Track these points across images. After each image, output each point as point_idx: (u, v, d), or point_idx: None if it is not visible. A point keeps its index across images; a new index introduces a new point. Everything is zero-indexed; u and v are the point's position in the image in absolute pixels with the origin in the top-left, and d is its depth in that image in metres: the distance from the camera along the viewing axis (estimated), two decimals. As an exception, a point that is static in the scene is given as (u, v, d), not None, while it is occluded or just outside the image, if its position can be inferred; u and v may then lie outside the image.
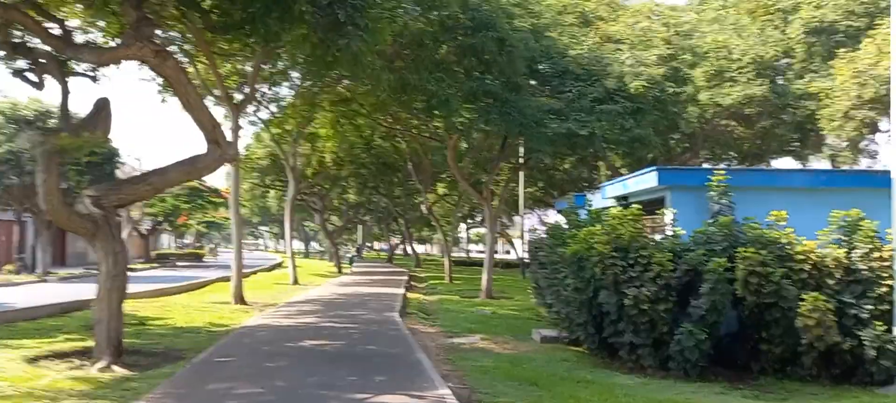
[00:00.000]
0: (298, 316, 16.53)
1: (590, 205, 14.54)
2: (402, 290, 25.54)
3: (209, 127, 10.75)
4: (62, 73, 12.37)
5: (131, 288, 24.43)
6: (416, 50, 21.24)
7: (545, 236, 16.93)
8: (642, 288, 10.35)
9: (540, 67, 24.62)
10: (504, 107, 21.22)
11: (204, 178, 50.60)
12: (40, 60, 12.52)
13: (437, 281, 34.25)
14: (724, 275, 9.97)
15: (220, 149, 10.85)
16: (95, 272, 30.34)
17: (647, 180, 12.55)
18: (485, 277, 24.60)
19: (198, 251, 62.64)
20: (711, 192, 11.25)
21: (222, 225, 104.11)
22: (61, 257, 43.69)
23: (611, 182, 16.13)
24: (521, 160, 31.02)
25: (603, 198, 15.78)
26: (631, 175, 14.14)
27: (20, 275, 29.31)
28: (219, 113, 23.78)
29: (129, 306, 18.23)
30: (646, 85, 21.75)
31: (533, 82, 25.16)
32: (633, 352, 11.01)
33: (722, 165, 30.12)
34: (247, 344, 11.94)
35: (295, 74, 28.66)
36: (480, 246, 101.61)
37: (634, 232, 10.81)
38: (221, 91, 20.00)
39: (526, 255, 37.81)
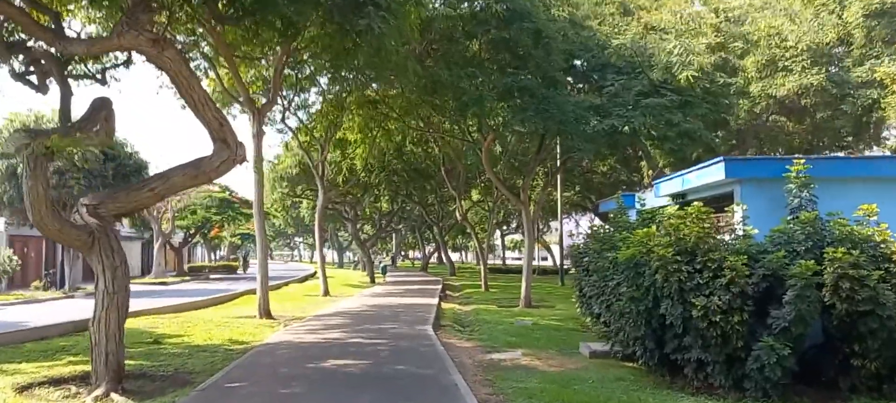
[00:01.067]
0: (324, 331, 15.33)
1: (642, 204, 13.10)
2: (435, 300, 24.25)
3: (216, 125, 9.60)
4: (62, 74, 11.38)
5: (157, 302, 23.90)
6: (447, 45, 20.03)
7: (590, 240, 15.57)
8: (712, 296, 8.91)
9: (578, 62, 23.28)
10: (541, 104, 19.89)
11: (235, 190, 50.12)
12: (39, 61, 11.56)
13: (473, 290, 32.93)
14: (812, 280, 8.48)
15: (228, 150, 9.69)
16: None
17: (711, 173, 11.09)
18: (524, 285, 23.21)
19: (231, 263, 62.02)
20: (790, 185, 9.76)
21: (255, 237, 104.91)
22: (92, 272, 43.21)
23: (665, 178, 14.66)
24: (558, 162, 29.70)
25: (656, 196, 14.33)
26: (691, 169, 12.67)
27: (47, 291, 28.68)
28: (243, 123, 22.82)
29: (147, 323, 17.33)
30: (696, 74, 20.15)
31: (571, 78, 23.85)
32: (700, 370, 9.56)
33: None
34: (264, 366, 10.75)
35: (323, 80, 27.83)
36: (516, 253, 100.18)
37: (701, 233, 9.36)
38: (243, 94, 18.99)
39: (567, 261, 36.52)
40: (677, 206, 11.36)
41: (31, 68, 12.07)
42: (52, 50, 11.37)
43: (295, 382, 9.36)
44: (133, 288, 29.67)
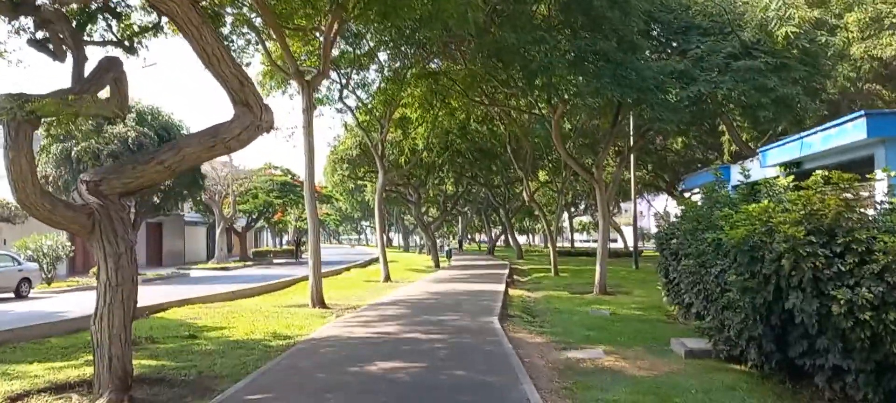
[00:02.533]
0: (378, 324, 13.75)
1: (747, 176, 10.99)
2: (502, 287, 22.48)
3: (235, 84, 8.03)
4: (76, 36, 10.03)
5: (211, 289, 22.93)
6: (513, 5, 18.12)
7: (680, 219, 13.55)
8: (859, 287, 6.86)
9: (658, 24, 20.99)
10: (618, 71, 17.82)
11: (297, 173, 49.25)
12: (50, 22, 10.23)
13: (542, 275, 31.02)
14: None
15: (251, 115, 8.12)
16: (185, 272, 28.75)
17: (845, 133, 8.96)
18: (598, 270, 21.20)
19: (294, 247, 61.53)
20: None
21: (324, 221, 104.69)
22: (158, 257, 43.16)
23: (776, 144, 12.48)
24: (631, 138, 27.45)
25: (763, 165, 12.19)
26: (813, 130, 10.48)
27: (107, 277, 28.14)
28: (297, 103, 21.58)
29: (191, 313, 16.13)
30: (796, 30, 17.68)
31: (651, 42, 21.58)
32: (837, 379, 7.51)
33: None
34: (299, 371, 9.18)
35: (382, 56, 26.30)
36: (584, 235, 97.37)
37: (843, 207, 7.29)
38: (292, 66, 17.55)
39: (641, 243, 34.34)
40: (791, 177, 9.30)
41: (47, 34, 10.82)
42: (61, 8, 10.08)
43: (330, 394, 7.73)
44: (192, 274, 29.07)
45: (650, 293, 20.33)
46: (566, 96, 20.55)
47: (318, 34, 19.91)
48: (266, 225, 57.39)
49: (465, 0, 14.12)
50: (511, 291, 22.69)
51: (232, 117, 8.16)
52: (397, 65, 25.39)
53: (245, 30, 20.08)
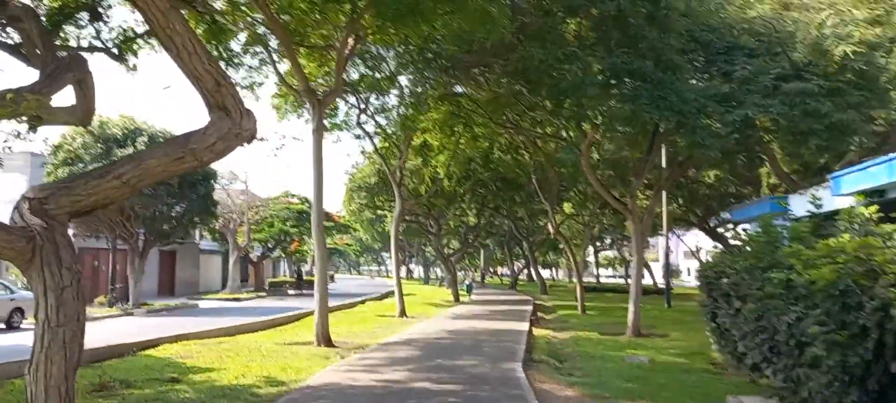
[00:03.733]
0: (386, 369, 12.17)
1: (818, 206, 9.36)
2: (526, 326, 20.83)
3: (210, 83, 6.62)
4: (43, 36, 8.75)
5: (215, 322, 21.51)
6: (542, 19, 16.70)
7: (732, 255, 11.88)
8: None
9: (696, 50, 19.43)
10: (656, 91, 16.29)
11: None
12: (18, 19, 8.99)
13: (568, 312, 29.26)
14: None
15: (228, 121, 6.69)
16: (194, 302, 27.21)
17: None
18: (631, 309, 19.48)
19: (311, 278, 60.10)
20: None
21: (343, 252, 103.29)
22: (170, 286, 41.94)
23: (854, 169, 10.81)
24: (664, 164, 25.78)
25: (834, 193, 10.52)
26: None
27: (112, 308, 26.86)
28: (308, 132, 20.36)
29: (184, 350, 14.66)
30: (856, 50, 16.05)
31: (691, 63, 20.02)
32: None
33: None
34: (285, 428, 7.63)
35: (403, 80, 25.03)
36: (610, 271, 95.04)
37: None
38: (302, 84, 16.25)
39: (676, 280, 32.38)
40: (874, 207, 7.69)
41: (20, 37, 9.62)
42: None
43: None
44: (202, 304, 27.61)
45: (689, 336, 18.58)
46: (598, 120, 19.04)
47: (333, 52, 18.70)
48: (283, 255, 56.06)
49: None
50: (535, 331, 21.04)
51: (206, 124, 6.74)
52: (419, 89, 24.11)
53: (258, 48, 18.94)
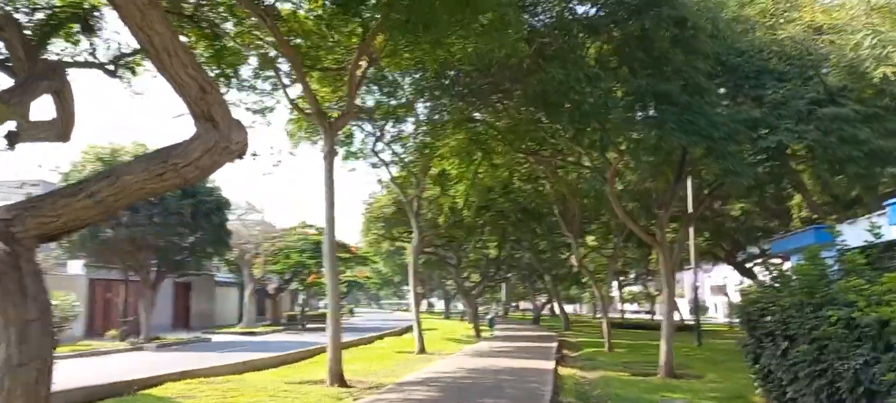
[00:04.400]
0: (400, 412, 11.25)
1: (877, 235, 8.39)
2: (551, 365, 19.81)
3: (195, 91, 5.88)
4: (26, 46, 8.10)
5: (224, 358, 20.74)
6: (563, 39, 15.94)
7: (774, 289, 10.93)
8: None
9: (723, 75, 18.56)
10: (684, 116, 15.41)
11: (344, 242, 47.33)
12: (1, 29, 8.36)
13: (594, 349, 28.08)
14: None
15: (216, 133, 5.94)
16: (207, 337, 26.36)
17: None
18: (664, 348, 18.39)
19: (319, 313, 59.24)
20: None
21: (363, 285, 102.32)
22: (185, 318, 41.29)
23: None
24: (689, 202, 24.77)
25: (892, 223, 9.53)
26: None
27: (124, 341, 26.17)
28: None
29: (185, 389, 13.82)
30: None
31: (721, 88, 19.15)
32: None
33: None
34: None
35: (420, 108, 24.38)
36: (634, 306, 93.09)
37: None
38: (313, 107, 15.57)
39: (723, 317, 31.08)
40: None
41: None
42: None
43: None
44: (215, 339, 26.81)
45: (727, 377, 17.46)
46: (622, 146, 18.17)
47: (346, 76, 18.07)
48: (300, 288, 55.26)
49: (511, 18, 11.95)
50: (561, 369, 19.99)
51: (191, 136, 5.98)
52: (436, 116, 23.44)
53: (269, 73, 18.35)
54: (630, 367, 20.37)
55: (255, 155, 15.74)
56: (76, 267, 29.62)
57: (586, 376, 18.81)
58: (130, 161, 5.91)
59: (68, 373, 16.97)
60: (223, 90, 18.19)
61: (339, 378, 15.04)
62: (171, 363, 18.98)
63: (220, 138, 5.95)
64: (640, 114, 18.21)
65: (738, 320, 12.87)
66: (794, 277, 10.30)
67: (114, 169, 5.95)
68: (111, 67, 10.45)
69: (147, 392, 13.10)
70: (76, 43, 10.77)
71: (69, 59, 10.54)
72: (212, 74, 17.42)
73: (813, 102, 16.61)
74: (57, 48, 10.66)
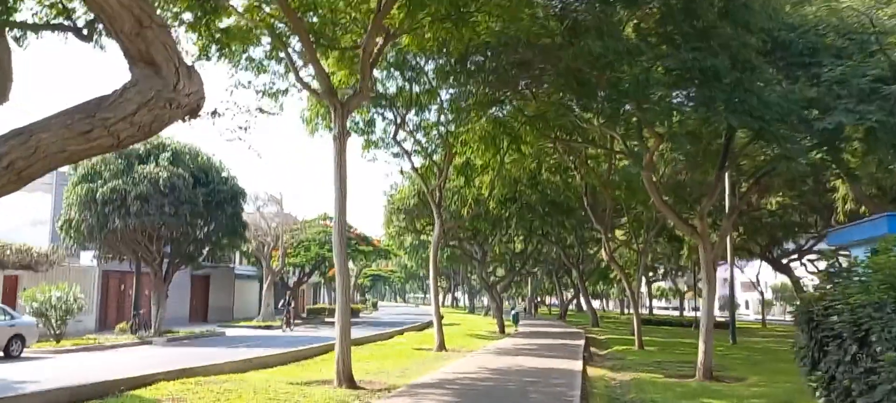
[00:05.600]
0: (411, 421, 9.93)
1: None
2: (579, 364, 18.38)
3: (130, 25, 4.57)
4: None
5: (235, 353, 19.57)
6: (600, 6, 14.47)
7: (842, 285, 9.42)
8: None
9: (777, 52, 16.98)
10: (733, 94, 13.91)
11: (354, 225, 46.16)
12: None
13: (624, 347, 26.59)
14: None
15: (158, 81, 4.63)
16: (221, 331, 25.14)
17: None
18: (701, 348, 16.84)
19: (353, 306, 58.15)
20: None
21: (388, 279, 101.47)
22: (203, 312, 40.40)
23: None
24: (726, 195, 23.15)
25: None
26: None
27: (134, 335, 25.19)
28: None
29: (180, 388, 12.66)
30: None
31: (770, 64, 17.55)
32: None
33: None
34: None
35: (444, 96, 23.10)
36: (662, 302, 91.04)
37: None
38: (323, 84, 14.28)
39: (754, 315, 29.31)
40: None
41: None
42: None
43: None
44: (229, 333, 25.71)
45: (769, 380, 15.96)
46: (661, 130, 16.63)
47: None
48: (322, 281, 54.27)
49: None
50: (590, 370, 18.57)
51: (124, 84, 4.68)
52: (461, 104, 22.12)
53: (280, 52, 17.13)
54: (664, 368, 18.90)
55: (215, 113, 14.27)
56: (88, 258, 28.79)
57: (617, 377, 17.37)
58: (47, 117, 4.60)
59: (60, 369, 16.01)
60: (231, 72, 17.06)
61: (347, 379, 13.78)
62: (176, 359, 17.90)
63: (164, 88, 4.64)
64: (679, 95, 16.78)
65: (794, 320, 11.32)
66: (862, 271, 8.85)
67: (29, 125, 4.66)
68: (85, 31, 9.24)
69: (135, 392, 11.92)
70: (51, 6, 9.63)
71: (38, 22, 9.40)
72: (217, 54, 16.33)
73: (877, 80, 14.99)
74: (29, 5, 9.55)
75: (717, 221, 25.00)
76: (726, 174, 21.01)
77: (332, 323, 35.95)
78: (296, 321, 31.63)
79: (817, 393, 10.48)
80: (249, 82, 17.52)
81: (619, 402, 13.17)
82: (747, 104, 13.79)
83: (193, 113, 4.86)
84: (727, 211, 18.91)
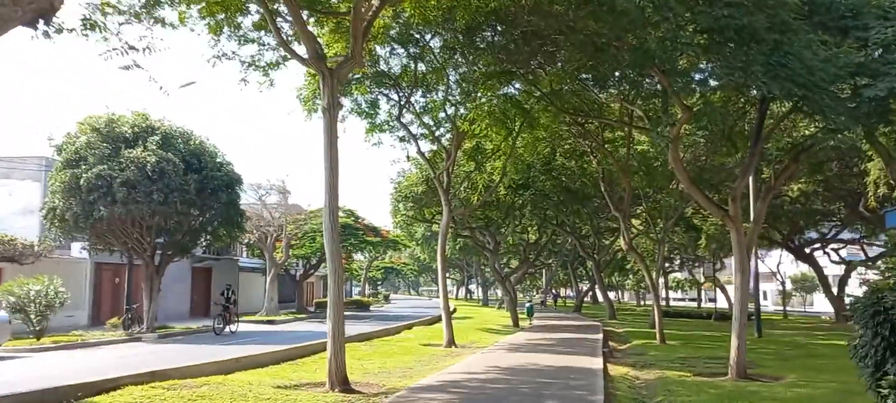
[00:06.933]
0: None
1: None
2: (598, 362, 16.80)
3: None
4: None
5: (224, 352, 18.21)
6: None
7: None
8: None
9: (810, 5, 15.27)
10: (773, 56, 12.26)
11: (363, 216, 44.72)
12: None
13: (644, 341, 25.00)
14: None
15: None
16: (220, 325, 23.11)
17: None
18: (734, 343, 15.19)
19: (364, 299, 56.76)
20: None
21: (401, 271, 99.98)
22: (205, 305, 39.07)
23: None
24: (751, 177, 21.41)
25: None
26: None
27: (126, 331, 23.83)
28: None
29: (153, 393, 11.14)
30: None
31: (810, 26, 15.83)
32: None
33: None
34: None
35: (452, 76, 21.58)
36: (678, 294, 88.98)
37: None
38: (308, 47, 12.71)
39: (773, 306, 27.54)
40: None
41: None
42: None
43: None
44: (229, 328, 24.13)
45: (809, 379, 14.39)
46: (691, 100, 14.99)
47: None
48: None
49: None
50: (611, 368, 16.97)
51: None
52: (468, 84, 20.61)
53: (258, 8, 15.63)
54: (690, 365, 17.27)
55: (139, 49, 11.40)
56: (79, 250, 27.48)
57: (640, 376, 15.78)
58: None
59: (24, 371, 14.63)
60: (211, 41, 15.58)
61: (341, 381, 12.28)
62: (161, 358, 16.54)
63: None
64: (707, 66, 15.11)
65: (853, 314, 9.71)
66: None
67: None
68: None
69: (93, 400, 10.44)
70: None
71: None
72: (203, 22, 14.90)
73: (931, 43, 13.34)
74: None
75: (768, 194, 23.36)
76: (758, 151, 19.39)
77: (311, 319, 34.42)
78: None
79: (890, 400, 8.91)
80: (234, 53, 15.87)
81: (645, 405, 11.59)
82: (790, 69, 12.15)
83: (43, 15, 3.32)
84: (762, 192, 17.13)
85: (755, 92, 14.79)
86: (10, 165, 28.10)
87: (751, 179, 22.69)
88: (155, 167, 22.18)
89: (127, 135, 23.18)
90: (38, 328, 20.21)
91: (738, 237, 15.15)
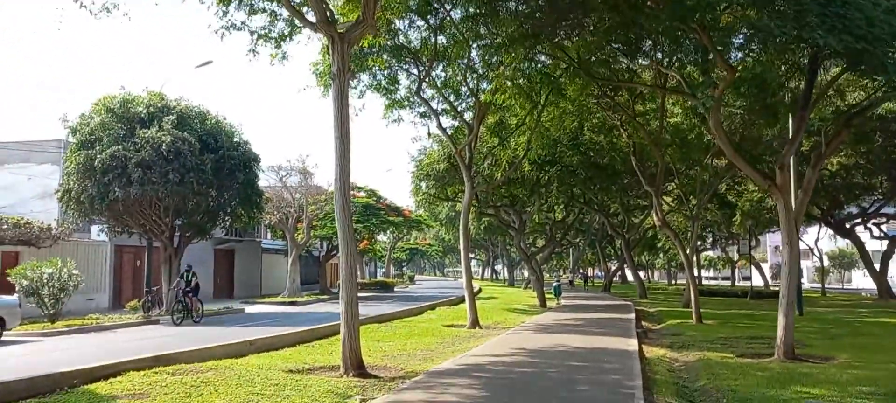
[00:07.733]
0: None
1: None
2: (633, 343, 15.80)
3: None
4: None
5: (240, 333, 17.45)
6: None
7: None
8: None
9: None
10: (830, 5, 11.09)
11: (385, 196, 43.94)
12: None
13: (679, 320, 23.93)
14: None
15: None
16: (240, 307, 22.71)
17: None
18: (782, 322, 14.12)
19: (387, 280, 56.09)
20: None
21: (426, 252, 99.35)
22: (229, 287, 38.64)
23: None
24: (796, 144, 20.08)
25: None
26: None
27: (146, 314, 23.24)
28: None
29: (152, 380, 10.28)
30: None
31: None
32: None
33: None
34: None
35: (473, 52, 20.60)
36: (710, 272, 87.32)
37: None
38: (317, 12, 11.78)
39: (809, 283, 26.25)
40: None
41: None
42: None
43: None
44: (250, 309, 20.91)
45: (863, 360, 13.29)
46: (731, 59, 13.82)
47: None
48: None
49: None
50: (646, 349, 15.95)
51: None
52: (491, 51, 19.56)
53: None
54: (732, 345, 16.20)
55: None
56: (98, 232, 27.03)
57: (680, 358, 14.77)
58: None
59: (30, 356, 14.03)
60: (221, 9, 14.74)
61: (356, 365, 11.43)
62: (175, 341, 15.89)
63: None
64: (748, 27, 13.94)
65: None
66: None
67: None
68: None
69: (90, 387, 9.71)
70: None
71: None
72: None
73: None
74: None
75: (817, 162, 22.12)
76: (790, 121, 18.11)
77: (364, 299, 33.91)
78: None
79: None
80: (243, 23, 15.04)
81: (689, 393, 10.57)
82: (847, 20, 10.96)
83: None
84: (812, 160, 15.86)
85: (805, 51, 13.57)
86: (30, 149, 27.69)
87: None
88: (170, 147, 21.52)
89: (142, 115, 22.58)
90: (52, 311, 19.67)
91: (787, 209, 14.01)
